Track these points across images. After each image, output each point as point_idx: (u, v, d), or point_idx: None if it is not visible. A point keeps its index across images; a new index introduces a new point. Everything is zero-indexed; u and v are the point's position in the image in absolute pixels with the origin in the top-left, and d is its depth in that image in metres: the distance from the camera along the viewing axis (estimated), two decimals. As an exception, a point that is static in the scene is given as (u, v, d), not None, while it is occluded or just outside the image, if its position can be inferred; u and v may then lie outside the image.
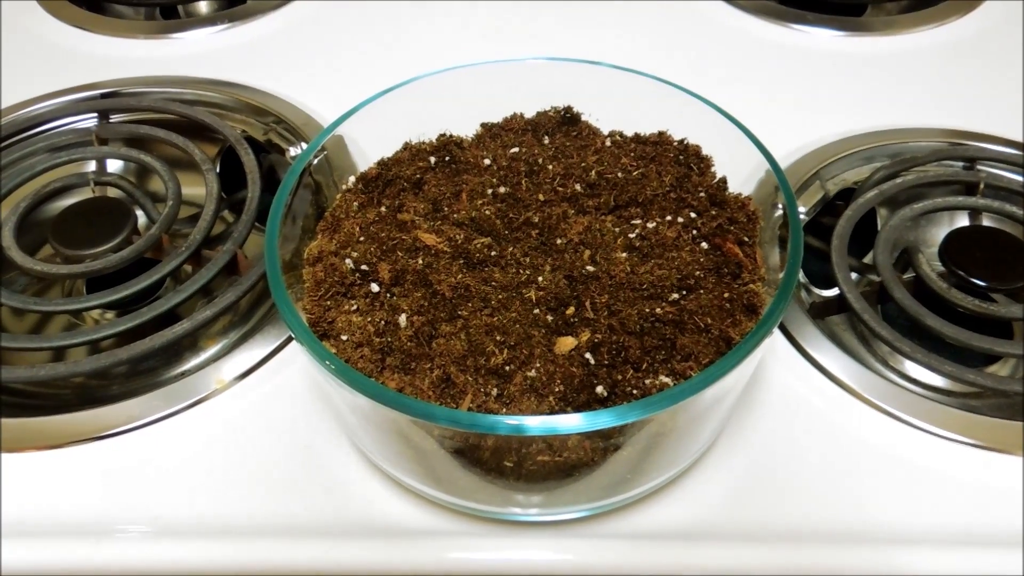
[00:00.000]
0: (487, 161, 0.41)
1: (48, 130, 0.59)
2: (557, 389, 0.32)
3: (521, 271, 0.36)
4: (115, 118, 0.59)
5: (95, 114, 0.59)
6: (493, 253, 0.36)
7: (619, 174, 0.40)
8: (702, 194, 0.39)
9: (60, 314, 0.51)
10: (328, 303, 0.36)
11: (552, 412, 0.31)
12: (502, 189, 0.40)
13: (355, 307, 0.35)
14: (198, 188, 0.52)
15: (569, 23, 0.70)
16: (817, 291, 0.48)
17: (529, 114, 0.45)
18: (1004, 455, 0.39)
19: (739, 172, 0.40)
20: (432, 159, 0.42)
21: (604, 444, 0.32)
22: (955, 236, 0.48)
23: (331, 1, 0.73)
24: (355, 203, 0.40)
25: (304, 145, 0.56)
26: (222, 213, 0.58)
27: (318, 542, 0.36)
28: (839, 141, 0.56)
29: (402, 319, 0.34)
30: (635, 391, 0.31)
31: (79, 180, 0.54)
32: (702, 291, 0.35)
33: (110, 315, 0.51)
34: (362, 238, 0.38)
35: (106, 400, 0.42)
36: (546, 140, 0.43)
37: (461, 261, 0.36)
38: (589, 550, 0.36)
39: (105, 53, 0.67)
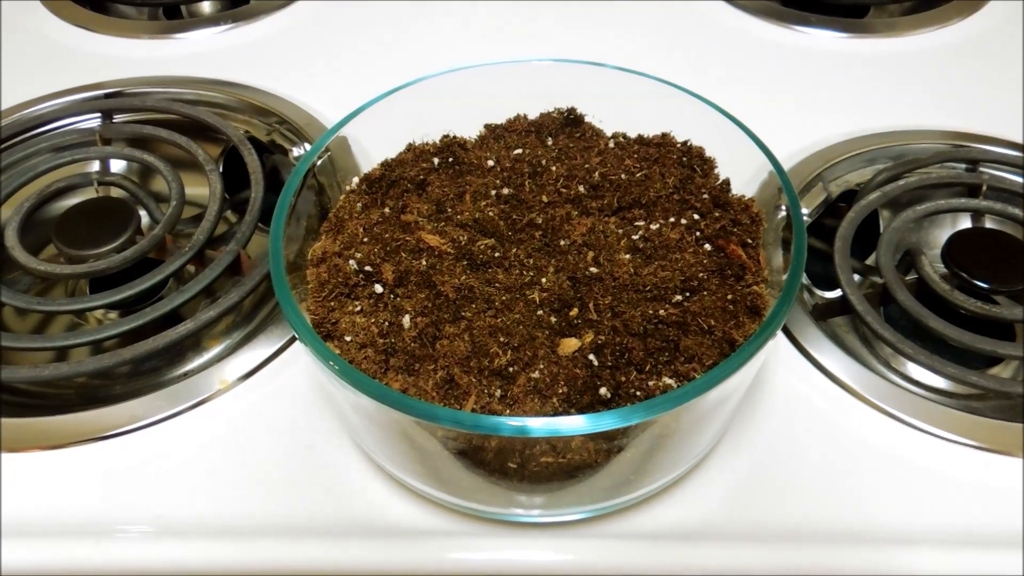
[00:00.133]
0: (491, 162, 0.41)
1: (52, 130, 0.59)
2: (561, 390, 0.32)
3: (525, 272, 0.36)
4: (118, 118, 0.59)
5: (99, 114, 0.59)
6: (497, 254, 0.36)
7: (622, 176, 0.40)
8: (705, 196, 0.39)
9: (63, 314, 0.51)
10: (332, 304, 0.36)
11: (555, 413, 0.31)
12: (505, 190, 0.40)
13: (359, 308, 0.35)
14: (201, 188, 0.53)
15: (569, 23, 0.70)
16: (820, 293, 0.48)
17: (532, 115, 0.45)
18: (1005, 456, 0.39)
19: (742, 174, 0.40)
20: (436, 160, 0.42)
21: (607, 446, 0.32)
22: (958, 238, 0.48)
23: (334, 1, 0.73)
24: (359, 204, 0.40)
25: (307, 146, 0.56)
26: (225, 213, 0.58)
27: (320, 542, 0.36)
28: (841, 143, 0.56)
29: (406, 320, 0.34)
30: (639, 393, 0.32)
31: (82, 180, 0.54)
32: (705, 293, 0.35)
33: (113, 315, 0.51)
34: (366, 239, 0.38)
35: (109, 400, 0.42)
36: (549, 141, 0.43)
37: (465, 262, 0.36)
38: (590, 550, 0.36)
39: (108, 53, 0.67)
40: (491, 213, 0.38)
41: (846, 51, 0.66)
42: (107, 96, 0.61)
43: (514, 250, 0.37)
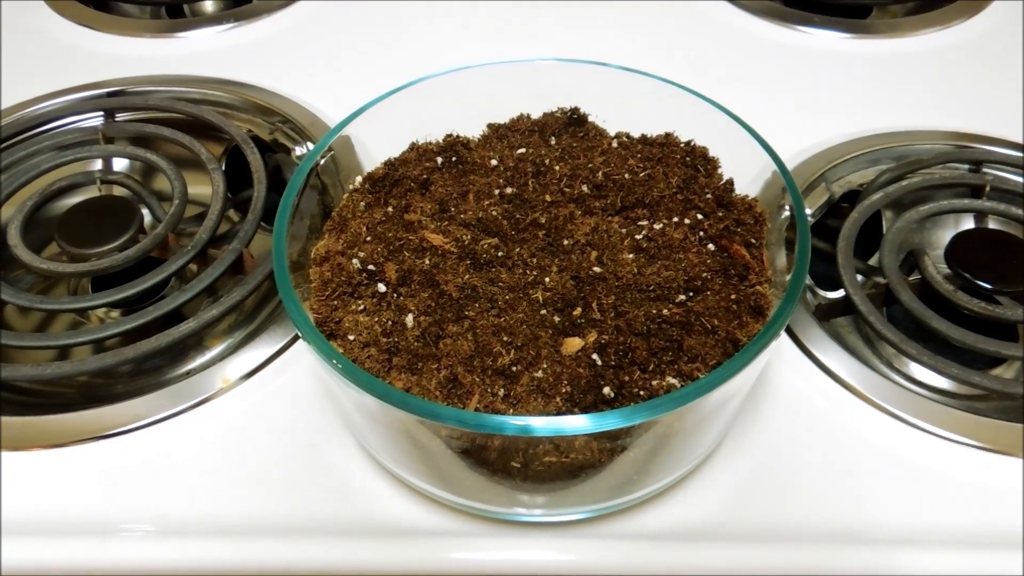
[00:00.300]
0: (494, 162, 0.41)
1: (54, 128, 0.59)
2: (564, 390, 0.32)
3: (528, 272, 0.36)
4: (121, 117, 0.59)
5: (101, 113, 0.59)
6: (500, 254, 0.36)
7: (626, 175, 0.40)
8: (709, 196, 0.39)
9: (65, 312, 0.51)
10: (335, 303, 0.36)
11: (559, 413, 0.31)
12: (509, 190, 0.40)
13: (362, 307, 0.35)
14: (204, 187, 0.53)
15: (569, 23, 0.70)
16: (823, 293, 0.48)
17: (536, 115, 0.45)
18: (1007, 457, 0.39)
19: (745, 174, 0.40)
20: (439, 159, 0.42)
21: (611, 445, 0.32)
22: (961, 239, 0.48)
23: (336, 1, 0.73)
24: (362, 203, 0.40)
25: (310, 145, 0.56)
26: (228, 212, 0.58)
27: (322, 541, 0.36)
28: (844, 143, 0.56)
29: (409, 319, 0.34)
30: (642, 392, 0.32)
31: (85, 179, 0.54)
32: (709, 293, 0.35)
33: (115, 314, 0.51)
34: (369, 238, 0.38)
35: (111, 399, 0.42)
36: (553, 141, 0.43)
37: (468, 261, 0.36)
38: (592, 550, 0.36)
39: (111, 52, 0.67)
40: (494, 212, 0.38)
41: (848, 51, 0.66)
42: (110, 95, 0.61)
43: (517, 249, 0.37)
